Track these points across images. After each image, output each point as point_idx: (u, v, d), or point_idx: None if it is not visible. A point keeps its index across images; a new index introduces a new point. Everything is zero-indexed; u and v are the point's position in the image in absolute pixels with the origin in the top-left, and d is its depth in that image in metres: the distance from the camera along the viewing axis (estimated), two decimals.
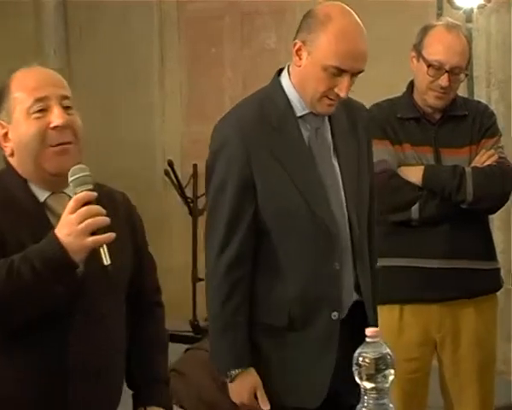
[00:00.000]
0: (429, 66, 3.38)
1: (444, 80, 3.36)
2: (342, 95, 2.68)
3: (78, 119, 2.34)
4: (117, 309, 2.38)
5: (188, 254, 6.87)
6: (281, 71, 2.88)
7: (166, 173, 6.54)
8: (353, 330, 2.65)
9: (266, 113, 2.77)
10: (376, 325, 2.77)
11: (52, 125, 2.26)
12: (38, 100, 2.27)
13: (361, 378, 1.96)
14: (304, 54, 2.70)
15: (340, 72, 2.66)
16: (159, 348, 2.58)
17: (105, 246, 2.14)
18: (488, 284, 3.50)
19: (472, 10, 5.67)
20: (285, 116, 2.76)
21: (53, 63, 8.32)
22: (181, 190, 6.55)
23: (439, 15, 5.60)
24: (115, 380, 2.38)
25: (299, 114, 2.76)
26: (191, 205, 6.55)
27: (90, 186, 2.18)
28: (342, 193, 2.79)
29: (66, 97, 2.31)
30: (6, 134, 2.31)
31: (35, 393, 2.23)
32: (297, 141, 2.75)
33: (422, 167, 3.38)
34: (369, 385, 1.96)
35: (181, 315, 7.18)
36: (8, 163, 2.34)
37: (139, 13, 7.77)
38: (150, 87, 7.77)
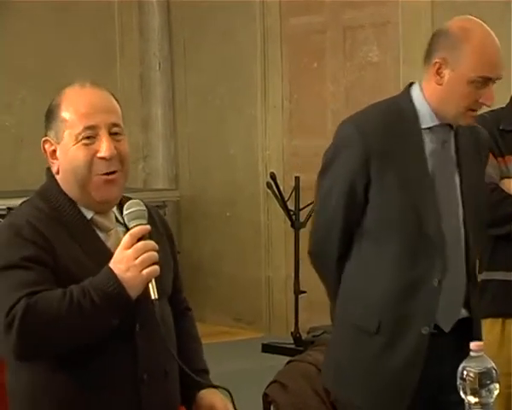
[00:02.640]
0: None
1: None
2: (489, 103, 2.74)
3: (125, 145, 2.35)
4: (168, 314, 2.43)
5: (290, 267, 6.88)
6: (411, 84, 2.90)
7: (269, 186, 6.56)
8: (458, 345, 2.67)
9: (391, 121, 2.80)
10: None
11: (99, 156, 2.28)
12: (88, 128, 2.28)
13: (465, 393, 1.94)
14: (445, 71, 2.72)
15: (485, 81, 2.68)
16: (195, 341, 2.59)
17: (153, 280, 2.18)
18: None
19: None
20: (409, 126, 2.78)
21: (157, 78, 8.48)
22: (283, 202, 6.56)
23: None
24: (178, 378, 2.40)
25: (425, 126, 2.77)
26: (293, 217, 6.55)
27: (144, 221, 2.22)
28: (460, 208, 2.79)
29: (115, 125, 2.32)
30: (54, 151, 2.34)
31: (110, 399, 2.27)
32: (417, 151, 2.76)
33: None
34: (473, 400, 1.94)
35: (283, 327, 7.20)
36: (53, 178, 2.37)
37: (242, 29, 7.83)
38: (253, 102, 7.82)
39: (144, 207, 2.26)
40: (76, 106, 2.31)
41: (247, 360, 6.45)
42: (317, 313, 7.02)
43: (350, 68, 7.32)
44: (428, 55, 2.78)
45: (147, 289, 2.20)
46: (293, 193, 6.54)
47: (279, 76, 7.71)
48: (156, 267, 2.18)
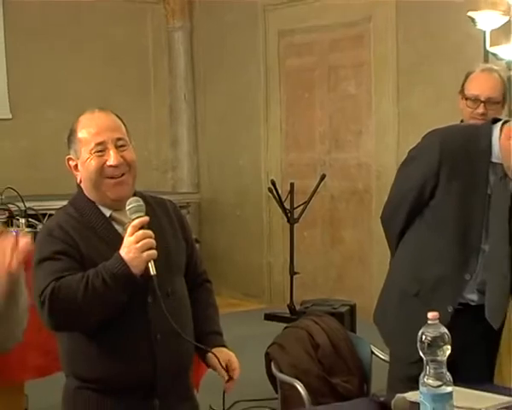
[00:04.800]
0: (467, 99, 3.30)
1: (480, 108, 3.27)
2: None
3: (130, 152, 2.34)
4: (180, 287, 2.39)
5: (286, 253, 6.86)
6: (497, 121, 2.76)
7: (270, 190, 6.54)
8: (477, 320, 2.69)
9: (469, 144, 2.71)
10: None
11: (108, 164, 2.29)
12: (98, 144, 2.29)
13: (424, 353, 1.92)
14: None
15: None
16: (212, 309, 2.56)
17: (152, 261, 2.17)
18: None
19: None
20: (482, 155, 2.69)
21: (183, 107, 8.48)
22: (281, 203, 6.54)
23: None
24: (191, 337, 2.36)
25: (493, 160, 2.69)
26: (289, 215, 6.54)
27: (142, 213, 2.22)
28: (507, 227, 2.71)
29: (120, 139, 2.32)
30: (76, 166, 2.35)
31: (131, 356, 2.25)
32: (481, 177, 2.69)
33: None
34: (429, 358, 1.92)
35: (281, 300, 7.18)
36: (80, 188, 2.38)
37: (249, 68, 7.83)
38: (258, 124, 7.82)
39: (142, 203, 2.25)
40: (88, 128, 2.32)
41: (253, 327, 6.44)
42: (307, 289, 7.01)
43: (333, 99, 7.30)
44: None
45: (158, 267, 2.19)
46: (289, 196, 6.52)
47: (278, 104, 7.70)
48: (154, 251, 2.18)
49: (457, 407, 2.04)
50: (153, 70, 8.48)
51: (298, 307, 5.82)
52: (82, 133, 2.32)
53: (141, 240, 2.16)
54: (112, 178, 2.30)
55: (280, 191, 6.55)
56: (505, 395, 2.42)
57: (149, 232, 2.19)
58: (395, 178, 2.93)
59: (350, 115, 7.17)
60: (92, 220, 2.31)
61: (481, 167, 2.68)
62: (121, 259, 2.16)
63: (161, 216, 2.40)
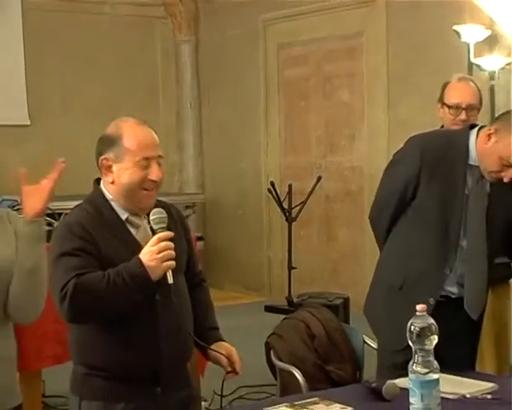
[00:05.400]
0: (449, 107, 3.30)
1: (462, 115, 3.27)
2: (506, 179, 2.61)
3: (163, 169, 2.34)
4: (182, 285, 2.38)
5: (285, 250, 6.86)
6: (474, 126, 2.76)
7: (269, 191, 6.53)
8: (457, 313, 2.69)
9: (448, 148, 2.72)
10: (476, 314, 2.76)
11: (150, 178, 2.27)
12: (145, 158, 2.27)
13: (413, 342, 1.92)
14: (493, 139, 2.62)
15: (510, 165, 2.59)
16: (209, 306, 2.55)
17: (170, 270, 2.19)
18: None
19: (494, 71, 5.57)
20: (460, 158, 2.69)
21: (189, 114, 8.49)
22: (280, 203, 6.53)
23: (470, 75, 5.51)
24: (191, 332, 2.36)
25: (471, 163, 2.69)
26: (287, 214, 6.53)
27: (165, 224, 2.23)
28: (484, 226, 2.72)
29: (160, 157, 2.32)
30: (110, 166, 2.30)
31: (138, 351, 2.25)
32: (459, 179, 2.69)
33: None
34: (418, 347, 1.92)
35: (280, 293, 7.18)
36: (98, 187, 2.34)
37: (250, 78, 7.84)
38: (258, 130, 7.82)
39: (165, 214, 2.25)
40: (137, 139, 2.28)
41: (254, 317, 6.44)
42: (304, 283, 7.01)
43: (328, 106, 7.31)
44: (495, 119, 2.72)
45: (164, 274, 2.20)
46: (287, 196, 6.52)
47: (277, 111, 7.71)
48: (173, 262, 2.19)
49: (444, 393, 2.05)
50: (161, 80, 8.49)
51: (295, 300, 5.81)
52: (130, 143, 2.27)
53: (162, 251, 2.18)
54: (147, 190, 2.29)
55: (279, 192, 6.54)
56: (488, 381, 2.42)
57: (171, 244, 2.20)
58: (380, 181, 2.94)
59: (344, 122, 7.17)
60: (109, 220, 2.29)
61: (459, 170, 2.69)
62: (141, 263, 2.17)
63: (170, 222, 2.40)
